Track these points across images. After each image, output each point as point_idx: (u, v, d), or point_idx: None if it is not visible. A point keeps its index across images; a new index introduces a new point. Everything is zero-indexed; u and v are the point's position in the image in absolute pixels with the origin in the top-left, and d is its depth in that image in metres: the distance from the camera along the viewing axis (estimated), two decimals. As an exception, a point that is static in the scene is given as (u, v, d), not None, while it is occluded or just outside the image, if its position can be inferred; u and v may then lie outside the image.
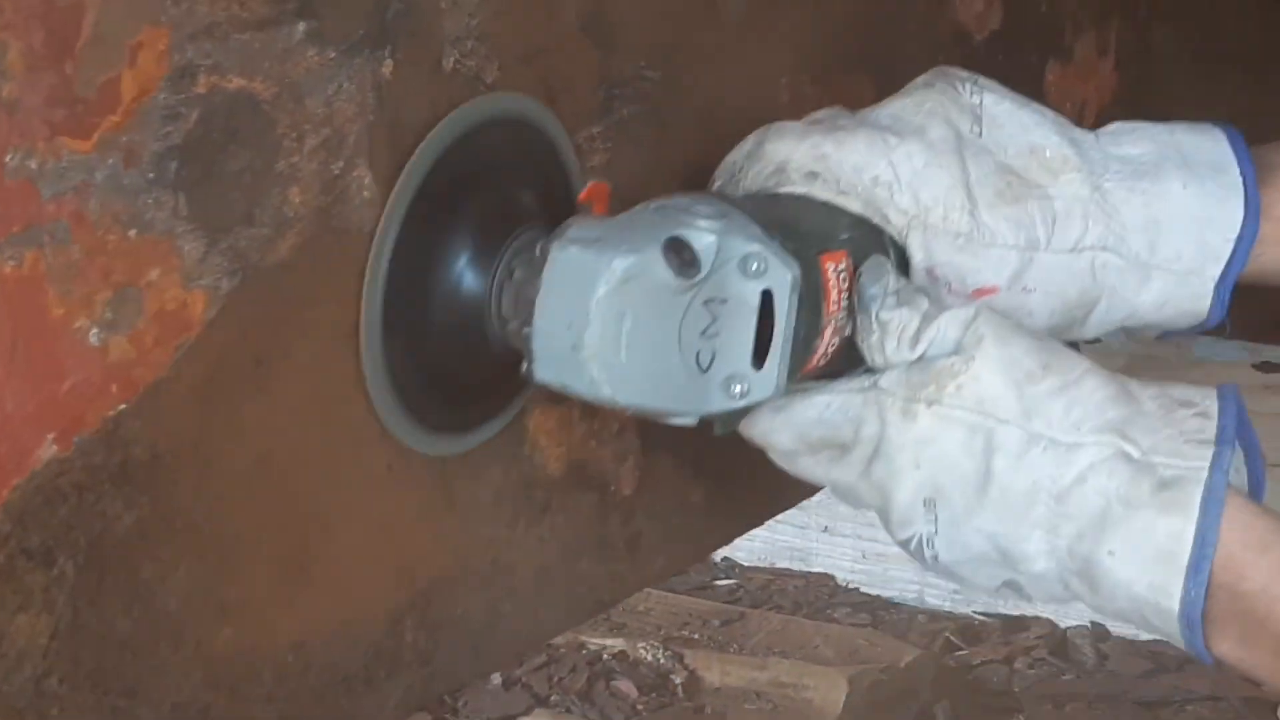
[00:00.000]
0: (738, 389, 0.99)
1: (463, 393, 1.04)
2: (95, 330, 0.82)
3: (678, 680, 2.51)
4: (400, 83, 0.96)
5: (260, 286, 0.90)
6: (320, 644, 0.98)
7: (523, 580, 1.12)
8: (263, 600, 0.94)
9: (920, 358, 1.03)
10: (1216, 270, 1.16)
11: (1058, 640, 2.78)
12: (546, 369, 0.98)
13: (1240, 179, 1.16)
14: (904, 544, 1.05)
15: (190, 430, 0.88)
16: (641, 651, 2.54)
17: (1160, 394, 1.03)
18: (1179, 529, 0.98)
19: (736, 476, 1.30)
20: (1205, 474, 0.98)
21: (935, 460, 1.02)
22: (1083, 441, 1.00)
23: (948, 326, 1.03)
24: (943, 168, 1.10)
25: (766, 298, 0.98)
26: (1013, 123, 1.15)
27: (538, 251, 0.98)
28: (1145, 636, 2.76)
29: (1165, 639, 1.02)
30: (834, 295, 1.03)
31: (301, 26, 0.89)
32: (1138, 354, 2.14)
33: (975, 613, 2.87)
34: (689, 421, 1.01)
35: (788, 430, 1.05)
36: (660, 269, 0.96)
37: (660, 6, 1.15)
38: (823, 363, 1.04)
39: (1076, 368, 1.03)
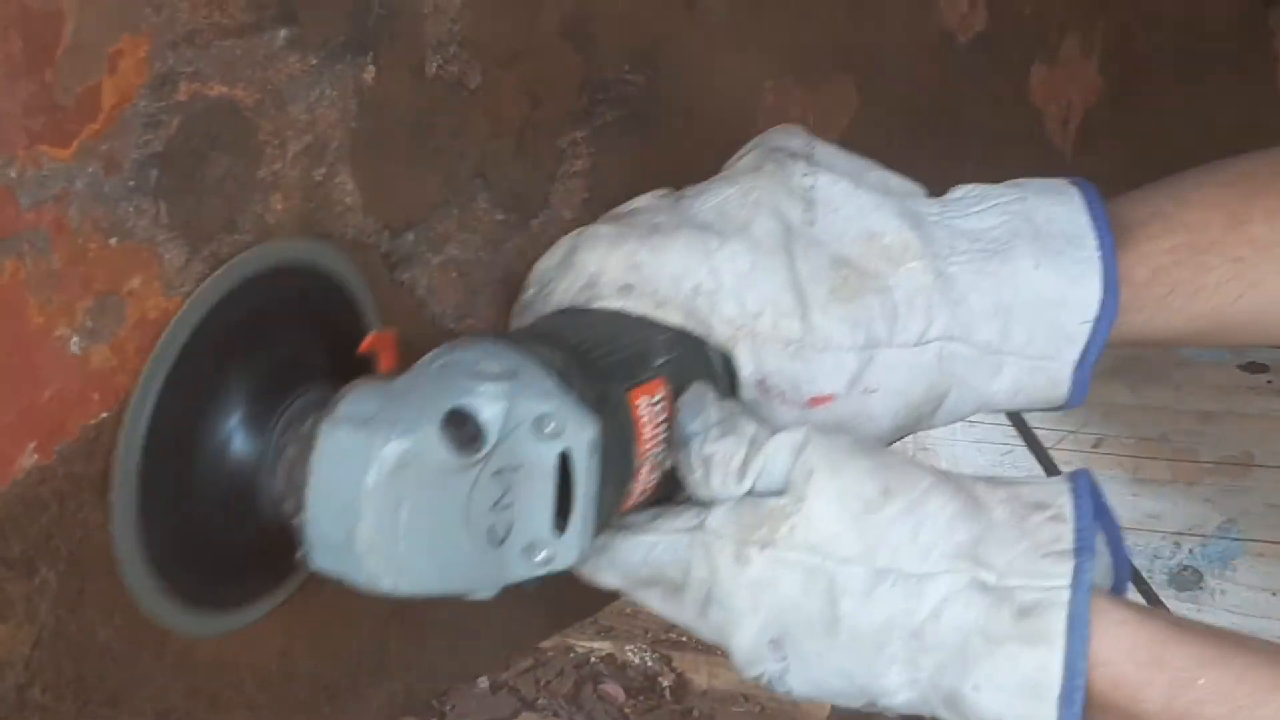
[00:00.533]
0: (540, 556, 0.90)
1: (233, 567, 0.93)
2: (76, 338, 0.81)
3: (666, 683, 2.51)
4: (383, 88, 0.96)
5: (242, 293, 0.90)
6: (304, 651, 0.98)
7: (508, 585, 1.12)
8: (246, 608, 0.94)
9: (750, 490, 0.95)
10: (1073, 354, 1.07)
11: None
12: (323, 559, 0.87)
13: (1098, 250, 1.06)
14: (754, 680, 0.97)
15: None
16: (629, 655, 2.54)
17: (1010, 498, 0.95)
18: (1045, 660, 0.91)
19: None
20: (1067, 594, 0.91)
21: (775, 604, 0.94)
22: (933, 571, 0.93)
23: (776, 454, 0.95)
24: (769, 270, 1.01)
25: (565, 458, 0.89)
26: (849, 205, 1.05)
27: (307, 427, 0.88)
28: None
29: None
30: (647, 434, 0.95)
31: (283, 33, 0.89)
32: (1124, 354, 2.14)
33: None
34: (487, 596, 0.91)
35: (612, 571, 0.97)
36: (439, 449, 0.86)
37: (642, 10, 1.15)
38: (641, 500, 0.97)
39: (918, 485, 0.95)
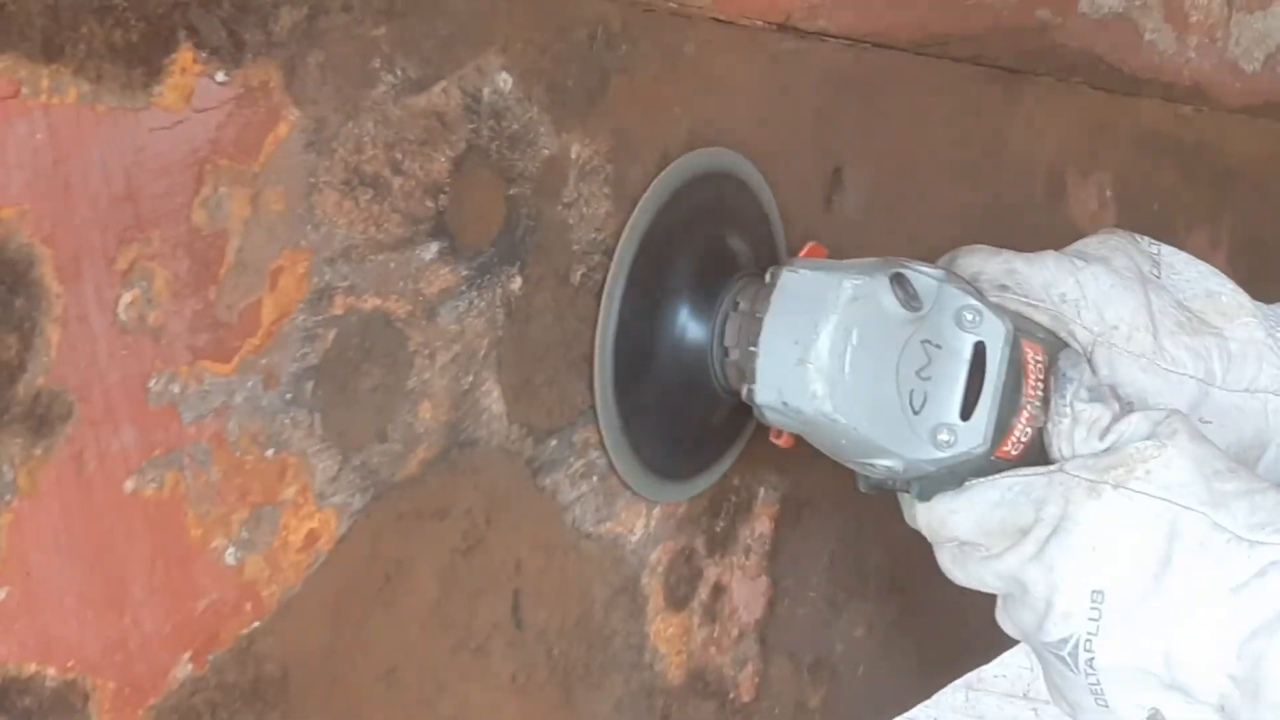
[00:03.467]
0: (945, 437, 1.00)
1: (692, 440, 1.09)
2: (231, 549, 0.82)
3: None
4: (528, 297, 0.97)
5: (390, 502, 0.91)
6: None
7: (641, 788, 1.11)
8: (388, 814, 0.94)
9: (1108, 449, 1.02)
10: None
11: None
12: (768, 388, 0.99)
13: None
14: (1057, 646, 1.02)
15: (320, 646, 0.88)
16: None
17: None
18: None
19: (853, 681, 1.29)
20: None
21: (1113, 543, 0.99)
22: (1265, 541, 0.98)
23: (1139, 423, 1.02)
24: (1127, 290, 1.11)
25: (978, 351, 1.00)
26: (1189, 270, 1.17)
27: (767, 279, 1.01)
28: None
29: None
30: (1032, 379, 1.03)
31: (434, 246, 0.90)
32: None
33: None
34: (893, 466, 1.00)
35: (969, 511, 1.03)
36: (886, 296, 0.98)
37: (780, 214, 1.16)
38: (1014, 452, 1.03)
39: (1263, 480, 1.02)
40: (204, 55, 0.77)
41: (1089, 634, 1.00)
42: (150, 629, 0.79)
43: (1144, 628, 0.99)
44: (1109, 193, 1.56)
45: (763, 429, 1.08)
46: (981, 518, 1.03)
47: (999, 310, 1.01)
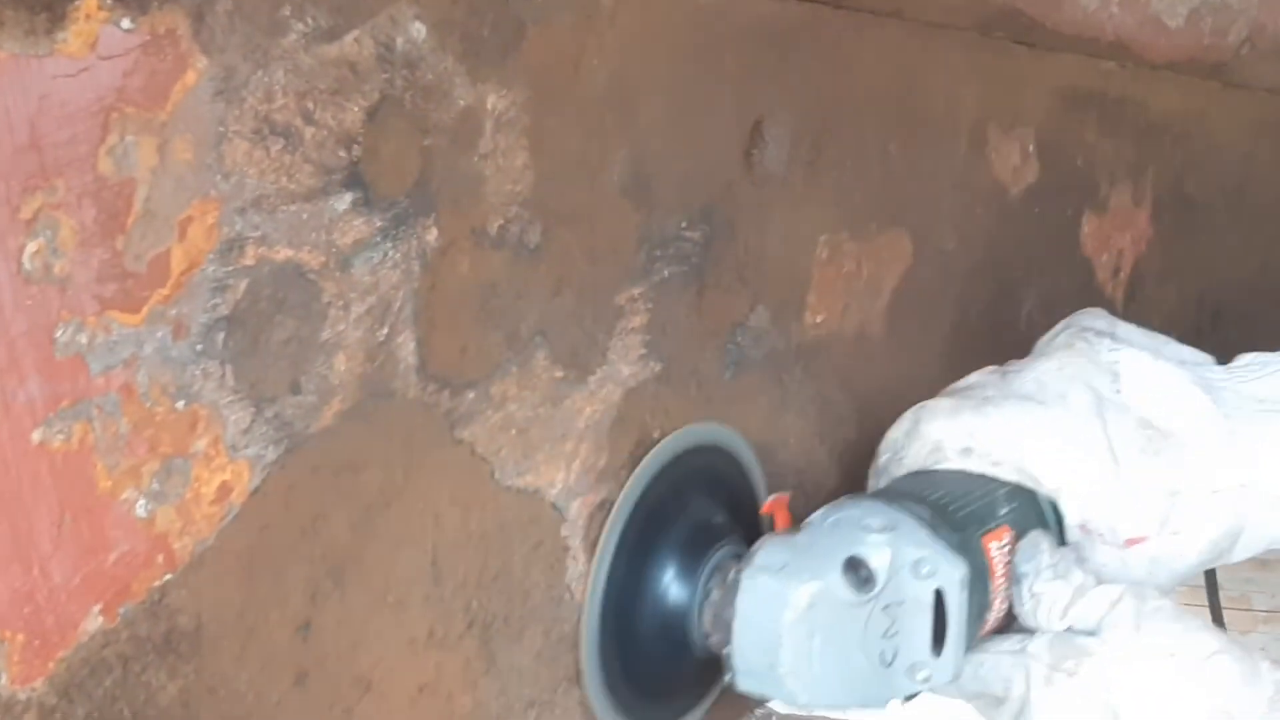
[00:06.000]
0: (921, 675, 1.08)
1: (668, 689, 1.17)
2: (142, 501, 0.82)
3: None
4: (445, 249, 0.97)
5: (304, 454, 0.90)
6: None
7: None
8: (304, 768, 0.94)
9: (1069, 627, 1.11)
10: None
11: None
12: (747, 681, 1.07)
13: None
14: None
15: (234, 599, 0.88)
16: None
17: None
18: None
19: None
20: None
21: None
22: None
23: (1095, 603, 1.10)
24: (1086, 432, 1.20)
25: (939, 594, 1.07)
26: (1150, 376, 1.24)
27: (731, 576, 1.08)
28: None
29: None
30: (999, 571, 1.13)
31: (348, 197, 0.90)
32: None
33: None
34: (878, 709, 1.09)
35: (951, 683, 1.11)
36: (841, 589, 1.05)
37: (699, 169, 1.16)
38: (994, 626, 1.14)
39: (1207, 648, 1.08)
40: (109, 2, 0.76)
41: None
42: (59, 581, 0.78)
43: None
44: (1031, 148, 1.57)
45: None
46: (961, 684, 1.12)
47: (951, 554, 1.07)
